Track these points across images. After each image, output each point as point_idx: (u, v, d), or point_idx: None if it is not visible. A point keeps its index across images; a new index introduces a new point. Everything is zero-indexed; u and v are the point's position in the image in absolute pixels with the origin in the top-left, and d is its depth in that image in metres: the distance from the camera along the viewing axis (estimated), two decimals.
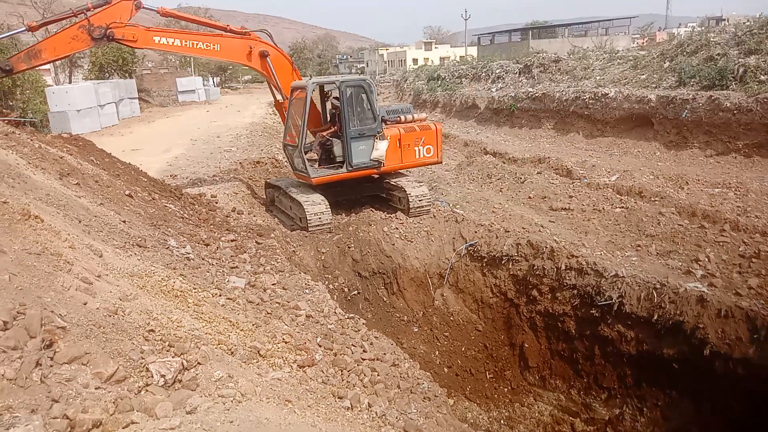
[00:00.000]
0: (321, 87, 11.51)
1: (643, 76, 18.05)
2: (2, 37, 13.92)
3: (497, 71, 27.54)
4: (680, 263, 8.73)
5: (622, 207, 11.00)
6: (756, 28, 16.08)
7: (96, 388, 3.09)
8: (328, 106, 11.82)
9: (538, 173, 14.18)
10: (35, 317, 3.31)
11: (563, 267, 9.18)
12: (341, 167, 10.83)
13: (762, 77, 13.81)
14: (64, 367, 3.17)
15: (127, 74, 38.07)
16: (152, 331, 3.93)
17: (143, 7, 10.04)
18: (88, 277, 4.33)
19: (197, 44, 10.50)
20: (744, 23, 18.63)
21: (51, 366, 3.11)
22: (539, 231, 10.26)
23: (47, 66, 39.94)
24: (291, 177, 12.48)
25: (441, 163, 12.45)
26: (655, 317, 8.04)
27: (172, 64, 55.12)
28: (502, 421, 9.22)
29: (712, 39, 17.21)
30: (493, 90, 25.81)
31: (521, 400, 9.63)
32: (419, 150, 11.35)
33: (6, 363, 2.98)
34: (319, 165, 10.98)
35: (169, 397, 3.28)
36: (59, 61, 40.40)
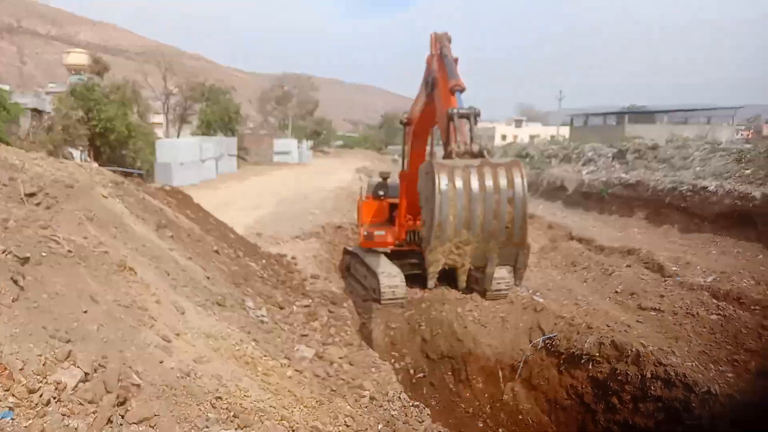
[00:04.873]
0: None
1: (748, 171, 17.01)
2: None
3: (589, 154, 27.04)
4: None
5: (719, 314, 10.10)
6: None
7: None
8: None
9: (627, 266, 13.44)
10: (114, 372, 3.45)
11: (649, 375, 8.44)
12: None
13: None
14: (132, 427, 3.24)
15: (230, 132, 40.86)
16: (220, 398, 3.97)
17: None
18: (167, 335, 4.50)
19: None
20: None
21: (121, 425, 3.20)
22: (625, 331, 9.57)
23: (160, 119, 43.45)
24: None
25: None
26: None
27: (272, 125, 58.66)
28: None
29: None
30: (584, 173, 25.26)
31: None
32: None
33: (81, 416, 3.10)
34: None
35: None
36: (172, 115, 44.09)
